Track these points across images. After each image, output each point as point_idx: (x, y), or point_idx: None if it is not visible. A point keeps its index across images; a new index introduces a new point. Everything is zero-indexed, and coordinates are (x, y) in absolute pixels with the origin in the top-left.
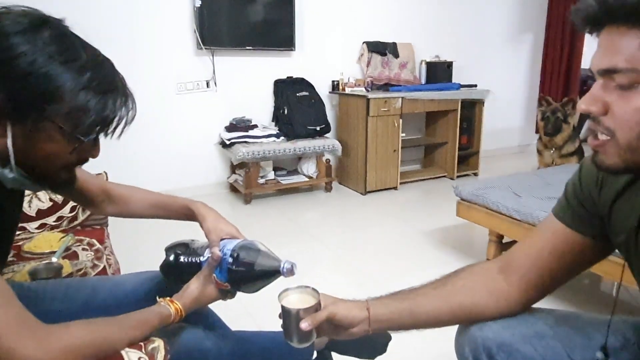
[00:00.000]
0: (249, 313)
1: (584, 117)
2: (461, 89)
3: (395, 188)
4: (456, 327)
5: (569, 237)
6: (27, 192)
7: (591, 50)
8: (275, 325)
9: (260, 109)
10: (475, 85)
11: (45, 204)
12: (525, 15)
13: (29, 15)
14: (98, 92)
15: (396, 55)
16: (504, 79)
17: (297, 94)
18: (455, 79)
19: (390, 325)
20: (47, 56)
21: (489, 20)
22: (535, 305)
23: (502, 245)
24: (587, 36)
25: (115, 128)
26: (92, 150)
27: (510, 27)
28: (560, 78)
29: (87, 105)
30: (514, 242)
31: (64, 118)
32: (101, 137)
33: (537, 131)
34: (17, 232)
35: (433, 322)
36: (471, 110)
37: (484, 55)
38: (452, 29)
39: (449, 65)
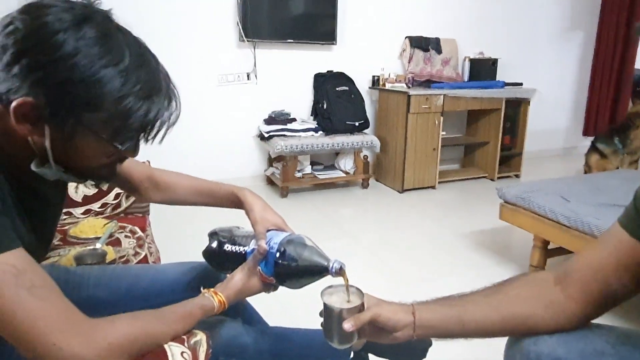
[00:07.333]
0: (285, 307)
1: None
2: (506, 87)
3: (433, 187)
4: (505, 338)
5: (637, 250)
6: None
7: None
8: (312, 323)
9: (300, 103)
10: (521, 84)
11: (91, 190)
12: (576, 12)
13: (73, 10)
14: (140, 97)
15: (439, 51)
16: (551, 78)
17: (337, 89)
18: (500, 76)
19: (436, 332)
20: (88, 60)
21: (537, 16)
22: (595, 321)
23: (547, 251)
24: None
25: (156, 133)
26: (132, 152)
27: (560, 23)
28: (612, 78)
29: (128, 113)
30: (560, 248)
31: (103, 126)
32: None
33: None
34: (64, 217)
35: (482, 331)
36: (515, 109)
37: (530, 52)
38: (498, 24)
39: (493, 62)
